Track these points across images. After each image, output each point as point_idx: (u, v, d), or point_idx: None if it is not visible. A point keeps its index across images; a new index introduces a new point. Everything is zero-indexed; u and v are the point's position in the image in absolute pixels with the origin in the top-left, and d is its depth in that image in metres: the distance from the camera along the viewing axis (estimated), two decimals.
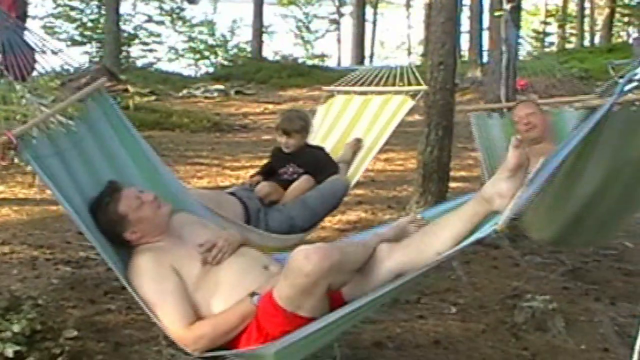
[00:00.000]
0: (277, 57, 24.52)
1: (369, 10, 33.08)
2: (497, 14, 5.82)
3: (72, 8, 22.93)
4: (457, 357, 4.11)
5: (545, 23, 34.38)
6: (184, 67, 25.73)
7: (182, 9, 26.67)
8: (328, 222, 6.26)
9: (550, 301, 4.59)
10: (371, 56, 32.72)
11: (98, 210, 3.63)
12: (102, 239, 3.57)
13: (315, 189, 5.06)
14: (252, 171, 5.62)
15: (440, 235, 3.35)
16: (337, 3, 35.71)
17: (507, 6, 5.78)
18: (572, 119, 5.52)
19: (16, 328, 3.64)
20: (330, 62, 31.36)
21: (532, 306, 4.53)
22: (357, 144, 5.69)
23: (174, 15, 26.66)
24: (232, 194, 4.91)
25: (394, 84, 5.98)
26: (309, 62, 27.01)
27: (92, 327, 4.25)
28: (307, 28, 35.47)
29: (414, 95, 5.71)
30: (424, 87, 5.79)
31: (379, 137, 5.66)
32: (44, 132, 3.75)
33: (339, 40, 35.74)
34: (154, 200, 3.64)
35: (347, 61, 30.15)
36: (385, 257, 3.38)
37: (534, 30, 32.65)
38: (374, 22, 35.93)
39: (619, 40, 30.24)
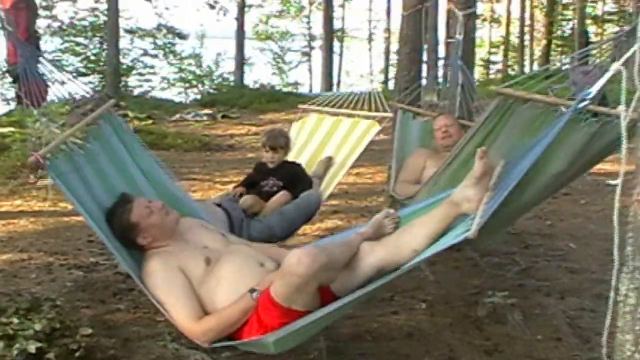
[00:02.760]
0: (257, 85, 24.45)
1: (336, 44, 33.20)
2: (449, 40, 5.88)
3: (78, 44, 22.84)
4: (428, 348, 4.07)
5: (490, 53, 34.66)
6: (174, 95, 25.49)
7: (174, 44, 26.60)
8: (308, 229, 6.22)
9: (508, 297, 4.58)
10: (338, 83, 32.82)
11: (113, 219, 3.72)
12: (118, 244, 3.66)
13: (293, 203, 5.09)
14: None
15: (415, 234, 3.45)
16: (308, 38, 35.81)
17: (459, 36, 5.82)
18: None
19: (37, 327, 3.58)
20: (303, 89, 31.37)
21: (493, 302, 4.52)
22: (329, 161, 5.76)
23: (167, 49, 26.53)
24: (218, 204, 4.92)
25: (362, 108, 5.98)
26: (285, 89, 27.02)
27: (104, 325, 4.19)
28: (282, 59, 35.46)
29: (380, 121, 5.71)
30: (389, 114, 5.80)
31: (349, 156, 5.70)
32: (64, 151, 3.74)
33: (310, 70, 35.77)
34: (162, 208, 3.74)
35: (317, 88, 30.21)
36: (367, 254, 3.49)
37: (482, 59, 32.84)
38: (340, 54, 36.11)
39: (554, 67, 30.47)
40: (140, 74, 24.66)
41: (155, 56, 26.11)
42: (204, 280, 3.47)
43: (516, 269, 5.41)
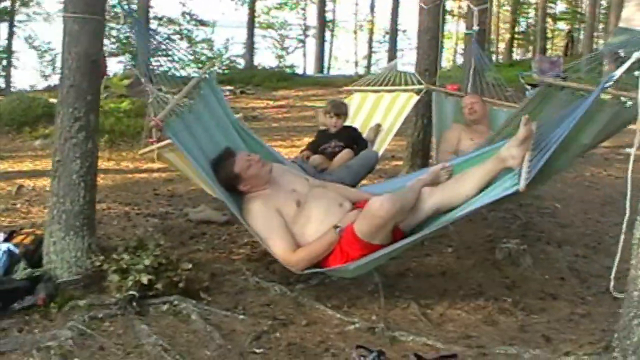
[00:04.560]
0: (261, 67, 24.35)
1: (327, 33, 33.04)
2: (467, 32, 5.94)
3: (111, 28, 22.58)
4: (460, 284, 4.20)
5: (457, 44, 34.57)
6: (188, 74, 25.21)
7: (190, 31, 26.26)
8: None
9: (520, 244, 4.70)
10: (328, 67, 32.69)
11: (219, 170, 3.95)
12: (222, 189, 3.88)
13: (356, 158, 5.20)
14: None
15: (467, 182, 3.74)
16: (303, 27, 35.54)
17: (475, 28, 5.88)
18: (500, 115, 5.90)
19: (147, 262, 3.66)
20: (298, 71, 31.09)
21: (508, 247, 4.64)
22: (378, 128, 5.84)
23: (184, 34, 26.19)
24: (294, 162, 5.12)
25: (395, 84, 6.07)
26: (289, 71, 26.86)
27: (190, 263, 4.24)
28: (282, 46, 35.18)
29: (417, 92, 5.81)
30: (423, 86, 5.91)
31: (394, 123, 5.80)
32: (176, 113, 3.84)
33: (304, 55, 35.54)
34: (259, 160, 3.94)
35: (310, 71, 30.06)
36: (428, 197, 3.80)
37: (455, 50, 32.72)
38: (331, 42, 35.88)
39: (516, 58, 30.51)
40: (165, 55, 24.31)
41: (173, 40, 25.75)
42: (296, 220, 3.72)
43: (518, 222, 5.54)
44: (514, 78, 7.50)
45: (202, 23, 25.78)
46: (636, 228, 3.12)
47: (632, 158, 3.20)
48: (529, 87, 9.80)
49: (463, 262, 4.57)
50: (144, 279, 3.58)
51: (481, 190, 3.57)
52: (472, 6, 5.86)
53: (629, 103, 3.61)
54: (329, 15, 33.30)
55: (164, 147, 4.31)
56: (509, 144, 3.56)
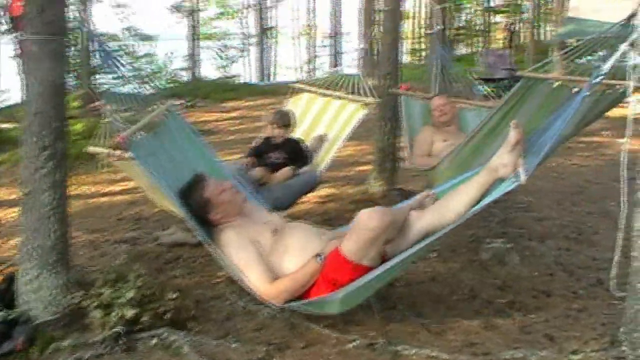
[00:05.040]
0: (208, 79, 24.09)
1: (268, 41, 33.10)
2: (429, 32, 5.86)
3: None
4: (452, 288, 4.13)
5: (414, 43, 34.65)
6: (130, 90, 24.81)
7: (132, 46, 25.86)
8: (307, 198, 6.11)
9: (504, 243, 4.65)
10: (268, 75, 32.72)
11: (189, 196, 3.64)
12: (191, 217, 3.57)
13: (297, 178, 5.21)
14: None
15: (458, 200, 3.41)
16: (244, 36, 35.46)
17: (436, 28, 5.81)
18: (467, 115, 5.87)
19: (130, 295, 3.47)
20: (241, 80, 30.90)
21: (493, 246, 4.58)
22: (322, 138, 5.72)
23: (124, 51, 25.77)
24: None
25: (348, 92, 5.85)
26: (235, 81, 26.64)
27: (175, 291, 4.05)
28: (223, 56, 34.98)
29: (366, 105, 5.63)
30: (375, 99, 5.66)
31: (339, 134, 5.62)
32: (141, 137, 3.69)
33: (247, 64, 35.49)
34: (232, 187, 3.64)
35: (253, 79, 30.00)
36: (416, 220, 3.45)
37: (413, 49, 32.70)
38: (273, 49, 35.95)
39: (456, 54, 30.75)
40: (106, 72, 23.84)
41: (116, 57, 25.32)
42: (273, 250, 3.42)
43: (497, 219, 5.48)
44: (461, 73, 7.42)
45: (147, 38, 25.38)
46: (636, 220, 3.07)
47: (625, 148, 3.14)
48: (479, 82, 9.86)
49: (450, 266, 4.49)
50: (129, 314, 3.39)
51: (473, 206, 3.36)
52: (433, 5, 5.78)
53: (621, 90, 3.56)
54: (268, 22, 33.20)
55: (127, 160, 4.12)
56: (499, 151, 3.35)
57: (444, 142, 5.31)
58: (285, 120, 5.39)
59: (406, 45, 32.07)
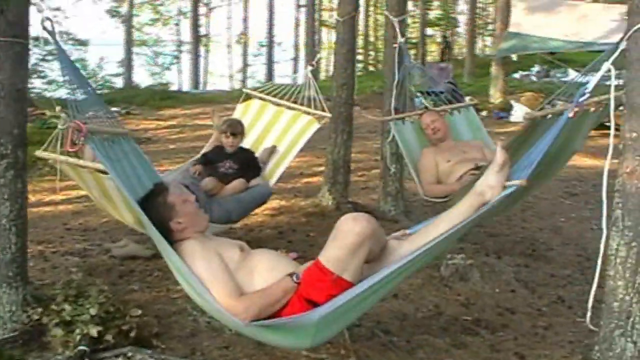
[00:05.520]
0: (144, 86, 23.70)
1: (201, 49, 32.91)
2: (394, 45, 5.77)
3: None
4: (415, 305, 4.11)
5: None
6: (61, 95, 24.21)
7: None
8: (257, 210, 5.99)
9: (465, 259, 4.66)
10: (203, 83, 32.51)
11: (150, 202, 3.29)
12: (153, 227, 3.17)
13: (248, 192, 5.11)
14: None
15: (442, 228, 3.11)
16: (177, 43, 35.21)
17: (402, 39, 5.76)
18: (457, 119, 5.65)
19: (93, 311, 3.32)
20: (173, 87, 30.56)
21: (455, 263, 4.59)
22: (272, 149, 5.63)
23: (55, 55, 25.09)
24: (185, 186, 4.62)
25: (302, 103, 5.71)
26: (171, 89, 26.31)
27: (128, 306, 3.85)
28: (157, 63, 34.61)
29: (319, 119, 5.56)
30: (328, 114, 5.58)
31: (291, 147, 5.53)
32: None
33: (179, 71, 35.20)
34: (196, 201, 3.37)
35: (186, 87, 29.70)
36: (397, 247, 3.19)
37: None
38: (205, 57, 35.80)
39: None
40: (43, 77, 23.10)
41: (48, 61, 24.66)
42: (241, 266, 3.11)
43: None
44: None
45: (81, 43, 24.79)
46: (612, 239, 3.09)
47: (606, 168, 3.13)
48: (419, 94, 9.95)
49: (411, 282, 4.45)
50: (93, 331, 3.24)
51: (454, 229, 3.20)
52: (391, 17, 5.74)
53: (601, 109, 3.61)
54: (202, 30, 32.96)
55: (83, 168, 3.93)
56: (485, 173, 3.24)
57: (447, 162, 5.07)
58: (235, 129, 5.24)
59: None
